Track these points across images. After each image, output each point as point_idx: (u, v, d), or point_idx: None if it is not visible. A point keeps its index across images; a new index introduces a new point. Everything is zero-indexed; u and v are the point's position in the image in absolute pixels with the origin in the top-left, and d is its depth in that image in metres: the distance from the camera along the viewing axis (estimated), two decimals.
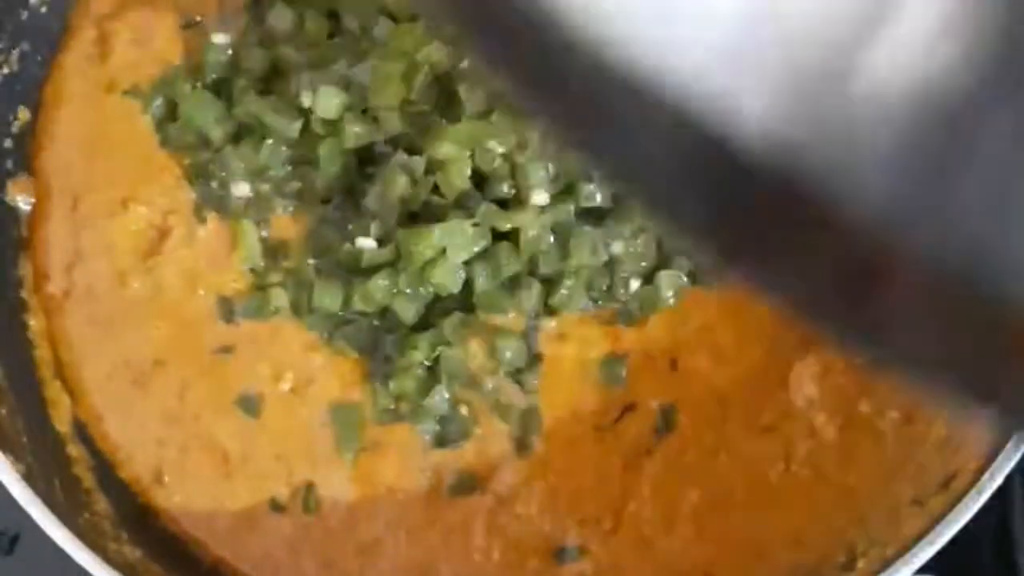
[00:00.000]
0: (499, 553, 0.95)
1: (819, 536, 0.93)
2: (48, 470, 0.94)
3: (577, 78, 0.31)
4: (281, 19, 1.03)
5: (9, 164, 1.04)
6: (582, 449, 0.96)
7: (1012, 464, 0.83)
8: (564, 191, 0.95)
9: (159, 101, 1.04)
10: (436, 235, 0.93)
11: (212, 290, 1.00)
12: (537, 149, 0.93)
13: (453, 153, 0.92)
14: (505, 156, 0.93)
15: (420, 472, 0.96)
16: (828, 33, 0.30)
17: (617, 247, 0.96)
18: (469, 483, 0.96)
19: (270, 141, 1.00)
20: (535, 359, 0.97)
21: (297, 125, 0.98)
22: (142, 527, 0.97)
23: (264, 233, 1.01)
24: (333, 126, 0.97)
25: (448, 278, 0.94)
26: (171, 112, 1.03)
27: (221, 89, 1.03)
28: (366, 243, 0.95)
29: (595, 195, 0.95)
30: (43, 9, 1.05)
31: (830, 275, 0.34)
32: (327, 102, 0.96)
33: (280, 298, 0.99)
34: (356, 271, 0.96)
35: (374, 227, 0.95)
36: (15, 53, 1.04)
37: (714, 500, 0.94)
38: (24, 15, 1.04)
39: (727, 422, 0.95)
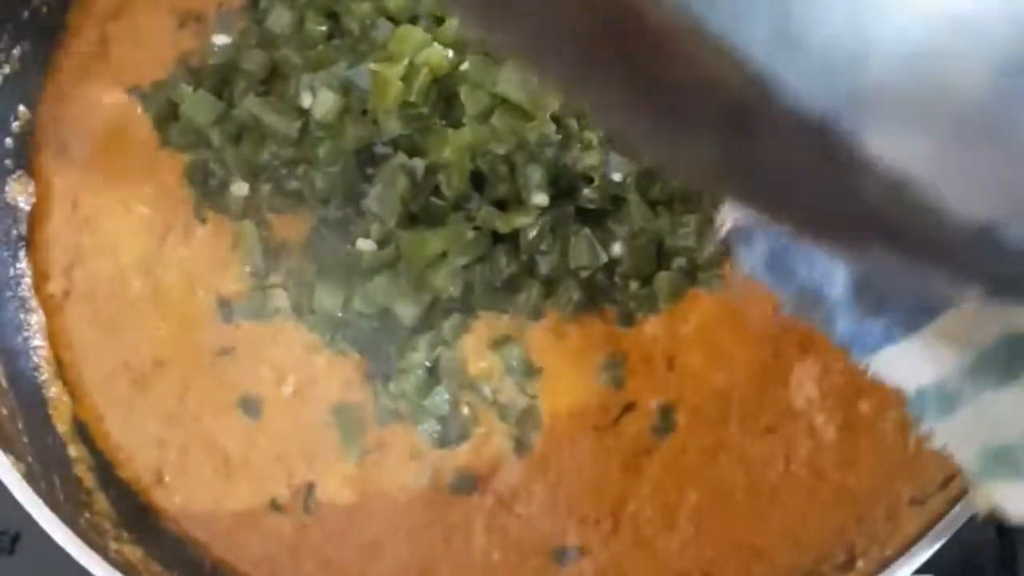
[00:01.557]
0: (499, 553, 0.95)
1: (819, 536, 0.93)
2: (49, 470, 0.94)
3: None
4: (280, 20, 1.03)
5: (9, 163, 1.04)
6: (582, 449, 0.96)
7: None
8: (564, 192, 0.95)
9: (159, 101, 1.04)
10: (437, 239, 0.93)
11: (212, 290, 1.00)
12: (536, 150, 0.93)
13: (454, 157, 0.93)
14: (505, 158, 0.93)
15: (420, 472, 0.96)
16: None
17: (617, 248, 0.96)
18: (469, 483, 0.96)
19: (270, 141, 1.00)
20: (535, 366, 0.97)
21: (297, 125, 0.99)
22: (143, 527, 0.97)
23: (264, 233, 1.01)
24: (332, 128, 0.97)
25: (448, 282, 0.94)
26: (171, 112, 1.03)
27: (221, 90, 1.03)
28: (367, 245, 0.96)
29: (595, 196, 0.95)
30: (43, 9, 1.05)
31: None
32: (324, 106, 0.96)
33: (280, 299, 0.99)
34: (357, 272, 0.96)
35: (374, 229, 0.96)
36: (15, 53, 1.04)
37: (714, 500, 0.94)
38: (25, 15, 1.04)
39: (727, 422, 0.95)
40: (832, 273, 0.66)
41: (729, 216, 0.69)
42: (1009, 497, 0.67)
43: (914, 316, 0.66)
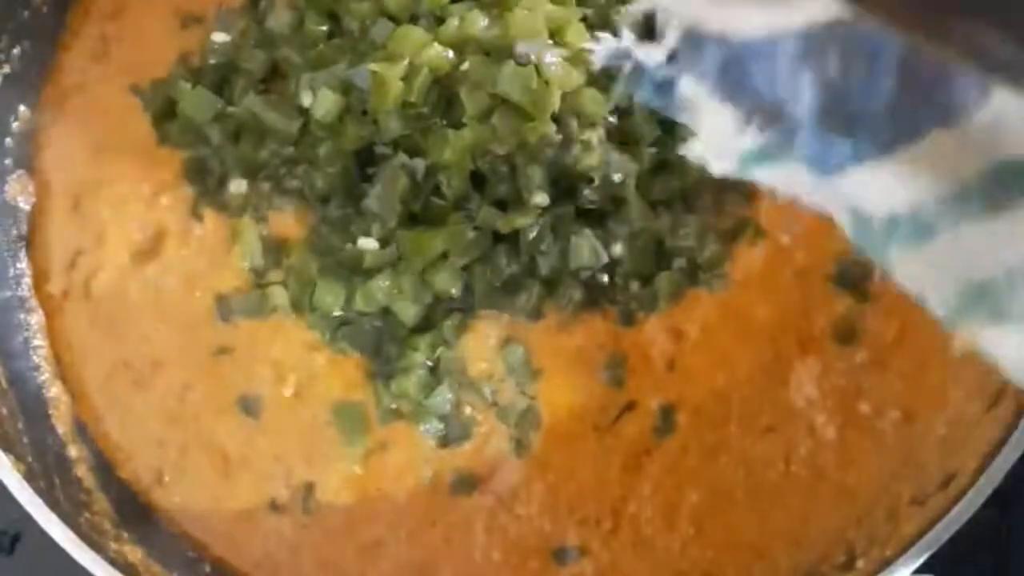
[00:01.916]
0: (499, 553, 0.95)
1: (819, 536, 0.94)
2: (49, 470, 0.94)
3: None
4: (280, 20, 1.03)
5: (9, 163, 1.04)
6: (582, 449, 0.96)
7: (1011, 464, 0.84)
8: (564, 193, 0.95)
9: (158, 99, 1.04)
10: (438, 239, 0.93)
11: (211, 289, 1.00)
12: (537, 151, 0.93)
13: (455, 158, 0.93)
14: (505, 158, 0.93)
15: (420, 472, 0.96)
16: None
17: (617, 248, 0.96)
18: (469, 483, 0.96)
19: (270, 139, 1.00)
20: (536, 366, 0.97)
21: (296, 124, 0.98)
22: (142, 527, 0.97)
23: (264, 231, 1.01)
24: (332, 128, 0.97)
25: (449, 283, 0.94)
26: (170, 110, 1.03)
27: (221, 88, 1.03)
28: (367, 244, 0.96)
29: (595, 197, 0.95)
30: (44, 9, 1.05)
31: None
32: (324, 106, 0.96)
33: (279, 296, 0.99)
34: (357, 271, 0.96)
35: (375, 228, 0.95)
36: (16, 52, 1.04)
37: (714, 500, 0.94)
38: (25, 15, 1.04)
39: (727, 423, 0.95)
40: (797, 90, 0.62)
41: (677, 19, 0.64)
42: (995, 343, 0.62)
43: (888, 138, 0.62)
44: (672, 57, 0.65)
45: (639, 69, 0.67)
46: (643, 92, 0.68)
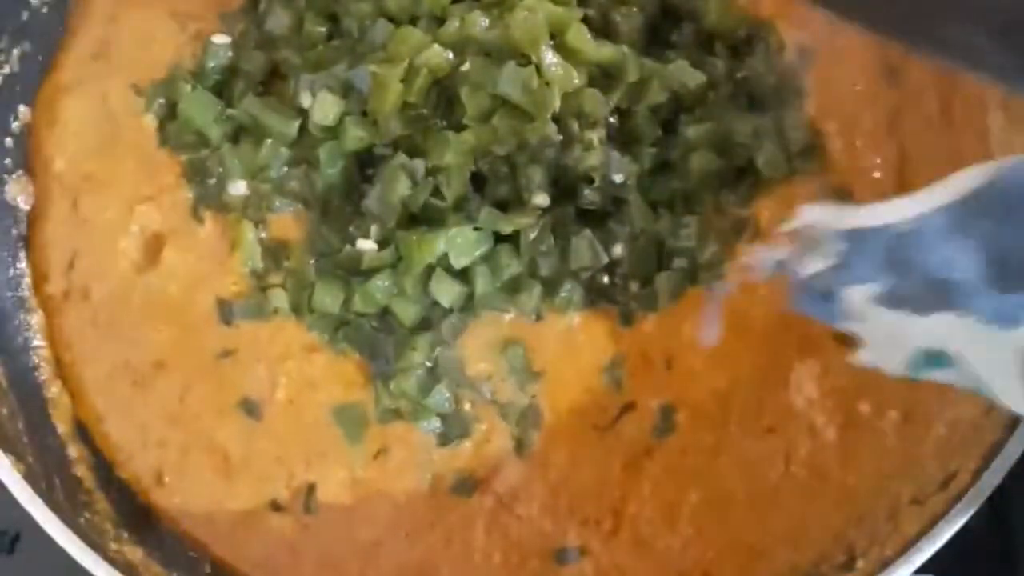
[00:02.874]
0: (500, 554, 0.95)
1: (819, 536, 0.93)
2: (49, 470, 0.94)
3: None
4: (280, 22, 1.03)
5: (9, 163, 1.04)
6: (582, 449, 0.96)
7: (1012, 464, 0.84)
8: (565, 193, 0.95)
9: (159, 101, 1.04)
10: (438, 241, 0.93)
11: (211, 292, 1.00)
12: (537, 151, 0.93)
13: (456, 161, 0.93)
14: (506, 158, 0.93)
15: (421, 473, 0.96)
16: None
17: (617, 249, 0.96)
18: (470, 484, 0.96)
19: (269, 141, 1.00)
20: (536, 366, 0.97)
21: (295, 125, 0.98)
22: (142, 527, 0.97)
23: (263, 234, 1.01)
24: (331, 129, 0.97)
25: (448, 291, 0.94)
26: (171, 112, 1.03)
27: (221, 90, 1.03)
28: (366, 245, 0.96)
29: (596, 198, 0.95)
30: (44, 10, 1.05)
31: None
32: (324, 109, 0.96)
33: (280, 299, 0.99)
34: (356, 272, 0.96)
35: (374, 229, 0.95)
36: (16, 53, 1.04)
37: (714, 500, 0.94)
38: (25, 15, 1.04)
39: (727, 423, 0.95)
40: (954, 259, 0.65)
41: (812, 220, 0.69)
42: None
43: None
44: (838, 264, 0.70)
45: (800, 282, 0.72)
46: (804, 303, 0.73)
